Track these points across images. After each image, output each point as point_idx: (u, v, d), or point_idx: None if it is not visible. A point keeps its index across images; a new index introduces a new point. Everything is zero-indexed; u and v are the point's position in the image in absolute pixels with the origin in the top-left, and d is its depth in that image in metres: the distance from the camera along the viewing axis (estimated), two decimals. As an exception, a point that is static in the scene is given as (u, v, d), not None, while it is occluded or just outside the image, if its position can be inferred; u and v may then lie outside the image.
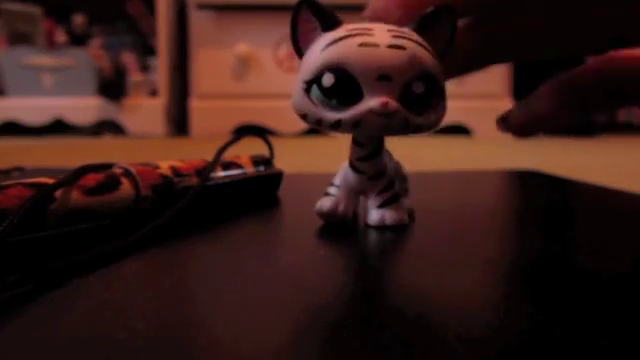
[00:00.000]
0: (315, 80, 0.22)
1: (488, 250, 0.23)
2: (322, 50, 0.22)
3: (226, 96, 1.83)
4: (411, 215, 0.27)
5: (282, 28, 1.78)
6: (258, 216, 0.31)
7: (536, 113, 0.24)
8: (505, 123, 0.25)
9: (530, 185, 0.45)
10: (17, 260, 0.20)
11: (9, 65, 1.88)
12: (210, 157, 0.32)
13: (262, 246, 0.24)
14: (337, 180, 0.26)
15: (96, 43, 1.95)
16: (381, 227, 0.25)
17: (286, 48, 1.85)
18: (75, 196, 0.23)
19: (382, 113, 0.21)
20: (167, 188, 0.28)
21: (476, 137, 1.83)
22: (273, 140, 0.37)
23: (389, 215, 0.25)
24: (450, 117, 1.88)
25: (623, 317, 0.15)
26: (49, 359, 0.13)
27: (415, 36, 0.22)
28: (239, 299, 0.17)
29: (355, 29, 0.22)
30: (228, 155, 0.33)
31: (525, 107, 0.24)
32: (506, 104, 1.72)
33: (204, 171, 0.30)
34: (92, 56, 1.90)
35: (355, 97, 0.21)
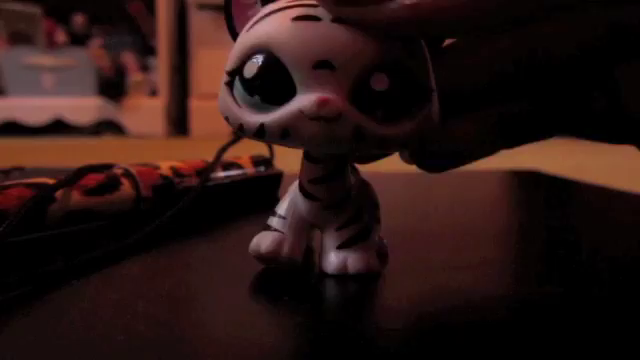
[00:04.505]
0: (237, 70, 0.16)
1: (488, 251, 0.23)
2: (248, 29, 0.16)
3: (226, 96, 1.83)
4: (383, 254, 0.20)
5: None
6: (258, 217, 0.31)
7: (454, 149, 0.19)
8: (413, 157, 0.19)
9: (530, 185, 0.45)
10: (17, 261, 0.20)
11: (9, 65, 1.88)
12: (210, 157, 0.32)
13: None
14: (282, 209, 0.19)
15: (96, 43, 1.95)
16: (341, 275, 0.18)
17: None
18: (75, 196, 0.23)
19: (318, 116, 0.15)
20: (167, 189, 0.28)
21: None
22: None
23: (352, 260, 0.18)
24: (450, 117, 1.89)
25: (623, 317, 0.15)
26: (49, 360, 0.13)
27: None
28: (239, 301, 0.17)
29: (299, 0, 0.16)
30: (228, 155, 0.33)
31: (440, 143, 0.19)
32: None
33: (204, 171, 0.30)
34: (92, 56, 1.90)
35: (287, 93, 0.15)
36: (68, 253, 0.20)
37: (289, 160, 0.40)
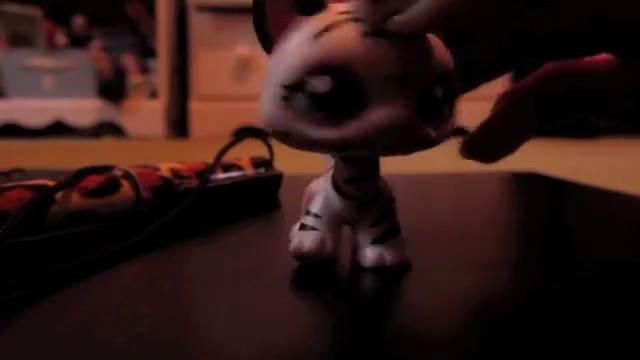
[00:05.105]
0: (301, 85, 0.16)
1: (487, 252, 0.23)
2: (310, 42, 0.16)
3: (226, 98, 1.83)
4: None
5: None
6: (258, 218, 0.31)
7: (500, 134, 0.22)
8: (469, 151, 0.22)
9: (530, 187, 0.46)
10: (17, 262, 0.20)
11: (9, 67, 1.88)
12: (210, 159, 0.32)
13: (262, 249, 0.24)
14: (316, 207, 0.20)
15: (96, 45, 1.95)
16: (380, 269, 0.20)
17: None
18: (75, 198, 0.24)
19: (393, 129, 0.16)
20: (167, 190, 0.28)
21: (476, 139, 1.83)
22: (273, 141, 0.37)
23: (389, 253, 0.20)
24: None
25: (623, 317, 0.15)
26: (50, 361, 0.13)
27: None
28: (239, 303, 0.17)
29: (350, 12, 0.16)
30: (229, 157, 0.33)
31: (487, 130, 0.22)
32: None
33: (204, 173, 0.30)
34: (92, 58, 1.90)
35: (355, 106, 0.16)
36: (68, 255, 0.20)
37: (289, 161, 0.40)
